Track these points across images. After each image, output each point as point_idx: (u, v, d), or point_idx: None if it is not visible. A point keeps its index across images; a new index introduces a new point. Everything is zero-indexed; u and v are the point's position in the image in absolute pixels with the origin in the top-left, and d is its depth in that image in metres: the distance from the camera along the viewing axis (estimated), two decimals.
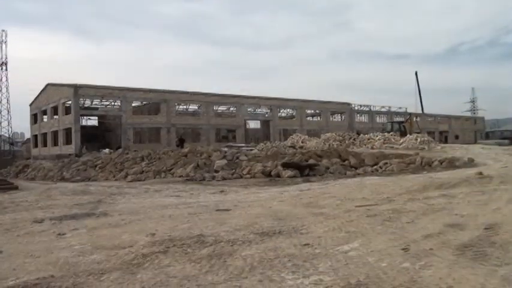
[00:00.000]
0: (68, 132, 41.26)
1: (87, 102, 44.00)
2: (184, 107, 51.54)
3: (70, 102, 40.69)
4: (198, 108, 50.33)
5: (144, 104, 47.43)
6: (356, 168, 16.76)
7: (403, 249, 3.88)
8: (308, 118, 62.35)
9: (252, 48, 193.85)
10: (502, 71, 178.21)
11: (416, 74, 46.33)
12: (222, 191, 11.15)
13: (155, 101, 45.45)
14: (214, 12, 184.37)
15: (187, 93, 47.90)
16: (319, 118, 62.54)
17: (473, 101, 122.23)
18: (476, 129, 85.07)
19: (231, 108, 53.91)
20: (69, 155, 34.67)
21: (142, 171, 18.50)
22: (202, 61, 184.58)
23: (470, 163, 17.58)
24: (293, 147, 31.41)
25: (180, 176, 16.79)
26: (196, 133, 49.40)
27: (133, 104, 44.90)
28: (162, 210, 7.39)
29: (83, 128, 43.39)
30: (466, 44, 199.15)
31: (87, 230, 5.74)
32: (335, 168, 16.35)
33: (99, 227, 5.91)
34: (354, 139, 32.75)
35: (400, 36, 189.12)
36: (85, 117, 46.80)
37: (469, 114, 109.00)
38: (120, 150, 28.60)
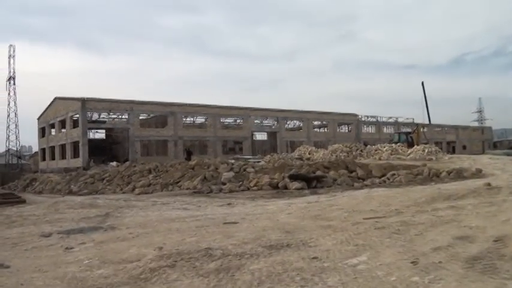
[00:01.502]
0: (75, 145, 41.55)
1: (95, 116, 44.29)
2: (191, 119, 51.73)
3: (78, 115, 41.05)
4: (205, 120, 50.50)
5: (151, 117, 47.68)
6: (363, 180, 16.68)
7: (412, 262, 3.85)
8: (315, 129, 62.31)
9: (257, 60, 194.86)
10: (509, 80, 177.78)
11: (422, 84, 46.49)
12: (229, 204, 11.13)
13: (162, 114, 45.70)
14: (218, 24, 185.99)
15: (193, 105, 48.16)
16: (326, 129, 62.46)
17: (480, 111, 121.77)
18: (484, 139, 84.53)
19: (238, 120, 54.05)
20: (77, 168, 34.85)
21: (150, 184, 18.53)
22: (208, 73, 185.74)
23: (478, 174, 17.44)
24: (300, 158, 31.36)
25: (187, 189, 16.80)
26: (203, 145, 49.50)
27: (140, 117, 45.17)
28: (170, 224, 7.39)
29: (91, 141, 43.65)
30: (471, 54, 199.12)
31: (95, 244, 5.75)
32: (342, 179, 16.29)
33: (107, 241, 5.92)
34: (361, 150, 32.64)
35: (406, 47, 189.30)
36: (92, 130, 47.09)
37: (476, 124, 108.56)
38: (127, 163, 28.70)
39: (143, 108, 44.39)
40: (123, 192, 18.06)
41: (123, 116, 44.66)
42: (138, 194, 16.78)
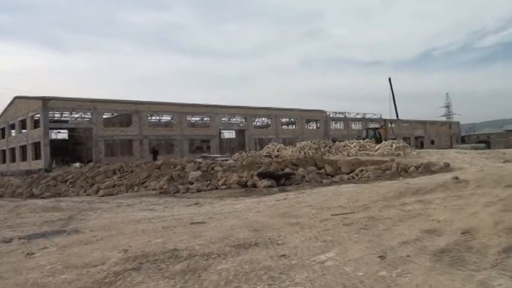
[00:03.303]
0: (37, 146, 40.44)
1: (57, 115, 43.21)
2: (157, 117, 51.22)
3: (39, 115, 39.92)
4: (171, 119, 50.07)
5: (116, 116, 46.93)
6: (332, 176, 16.89)
7: (379, 257, 3.91)
8: (283, 127, 62.80)
9: (224, 57, 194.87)
10: (477, 75, 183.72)
11: (390, 80, 47.14)
12: (196, 203, 11.05)
13: (127, 112, 45.03)
14: (185, 21, 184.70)
15: (159, 103, 47.68)
16: (294, 126, 63.02)
17: (448, 106, 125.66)
18: (452, 134, 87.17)
19: (205, 118, 53.87)
20: (39, 170, 33.94)
21: (115, 185, 18.21)
22: (174, 71, 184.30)
23: (446, 168, 17.94)
24: (269, 156, 31.51)
25: (153, 189, 16.59)
26: (170, 144, 49.10)
27: (104, 116, 44.37)
28: (135, 225, 7.26)
29: (53, 141, 42.58)
30: (438, 50, 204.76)
31: (58, 249, 5.59)
32: (311, 176, 16.44)
33: (70, 245, 5.77)
34: (330, 147, 33.07)
35: (373, 43, 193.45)
36: (54, 130, 45.96)
37: (444, 119, 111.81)
38: (91, 163, 28.10)
39: (107, 107, 43.60)
40: (87, 194, 17.67)
41: (86, 116, 43.73)
42: (103, 195, 16.45)
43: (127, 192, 16.97)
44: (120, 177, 19.62)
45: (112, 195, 16.45)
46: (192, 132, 50.49)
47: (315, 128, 65.62)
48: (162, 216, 8.52)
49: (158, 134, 47.76)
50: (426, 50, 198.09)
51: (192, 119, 53.55)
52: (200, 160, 23.72)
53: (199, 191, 15.21)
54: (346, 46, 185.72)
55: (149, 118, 48.20)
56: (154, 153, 39.30)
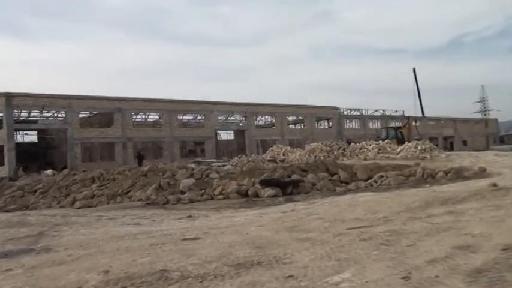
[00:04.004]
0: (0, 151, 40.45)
1: (24, 114, 43.23)
2: (143, 116, 51.29)
3: (1, 114, 39.90)
4: (160, 117, 50.13)
5: (95, 115, 47.00)
6: (347, 184, 16.89)
7: (403, 277, 3.89)
8: (290, 126, 62.86)
9: (220, 46, 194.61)
10: None
11: (414, 71, 47.40)
12: (189, 216, 11.05)
13: (107, 111, 45.08)
14: (172, 4, 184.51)
15: (145, 100, 47.72)
16: (302, 126, 63.05)
17: (483, 101, 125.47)
18: (489, 133, 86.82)
19: (199, 117, 53.94)
20: (2, 178, 33.91)
21: (94, 196, 18.20)
22: (162, 62, 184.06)
23: (482, 173, 17.89)
24: (273, 160, 31.56)
25: (139, 200, 16.58)
26: (158, 147, 49.20)
27: (81, 115, 44.45)
28: (118, 242, 7.26)
29: (19, 145, 42.63)
30: (471, 35, 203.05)
31: (25, 270, 5.58)
32: (322, 184, 16.43)
33: (40, 266, 5.76)
34: (344, 149, 33.14)
35: (393, 28, 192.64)
36: (21, 132, 45.98)
37: (479, 115, 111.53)
38: (65, 170, 28.12)
39: (84, 104, 43.65)
40: (61, 206, 17.67)
41: (59, 115, 43.78)
42: (79, 207, 16.44)
43: (108, 203, 16.95)
44: (100, 186, 19.60)
45: (90, 207, 16.44)
46: (184, 134, 50.52)
47: (326, 127, 65.62)
48: (149, 231, 8.52)
49: (144, 135, 47.81)
50: (457, 35, 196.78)
51: (184, 117, 53.58)
52: (193, 166, 23.71)
53: (192, 201, 15.20)
54: (362, 31, 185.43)
55: (134, 117, 48.27)
56: (140, 158, 39.37)
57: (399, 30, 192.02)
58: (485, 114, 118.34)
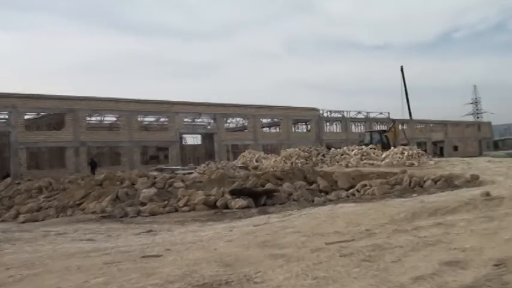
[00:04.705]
0: None
1: None
2: (98, 118, 50.75)
3: None
4: (117, 119, 49.72)
5: (43, 116, 46.36)
6: (327, 193, 17.00)
7: None
8: (264, 129, 63.02)
9: (185, 38, 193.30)
10: None
11: (402, 69, 47.81)
12: (150, 231, 10.98)
13: (58, 111, 44.51)
14: None
15: (101, 99, 47.26)
16: (278, 129, 63.33)
17: (476, 102, 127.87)
18: (481, 138, 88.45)
19: (162, 119, 53.66)
20: None
21: (40, 208, 17.93)
22: (121, 56, 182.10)
23: (474, 181, 18.20)
24: (245, 168, 31.60)
25: (93, 213, 16.40)
26: (115, 153, 48.79)
27: (26, 117, 43.79)
28: (68, 260, 7.17)
29: None
30: (463, 30, 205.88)
31: None
32: (300, 194, 16.52)
33: None
34: (324, 155, 33.35)
35: (378, 20, 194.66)
36: None
37: (471, 118, 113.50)
38: (8, 179, 27.61)
39: (30, 104, 43.01)
40: (2, 220, 17.35)
41: (1, 116, 43.07)
42: (24, 221, 16.18)
43: (57, 216, 16.73)
44: (48, 197, 19.35)
45: (37, 221, 16.19)
46: (145, 138, 50.18)
47: (304, 130, 66.07)
48: (103, 248, 8.44)
49: (100, 139, 47.29)
50: (447, 29, 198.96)
51: (145, 120, 53.25)
52: (155, 174, 23.57)
53: (153, 214, 15.11)
54: (344, 25, 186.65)
55: (88, 119, 47.78)
56: (92, 165, 38.95)
57: (385, 24, 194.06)
58: (477, 117, 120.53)
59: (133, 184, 19.16)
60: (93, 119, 50.12)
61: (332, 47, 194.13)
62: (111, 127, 51.69)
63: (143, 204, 16.45)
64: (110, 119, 51.55)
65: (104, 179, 20.31)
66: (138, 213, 15.26)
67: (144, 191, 17.73)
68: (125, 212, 15.42)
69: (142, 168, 33.95)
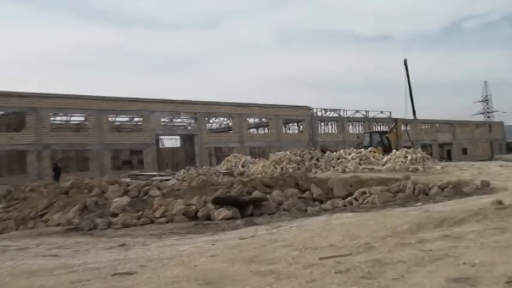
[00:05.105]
0: None
1: None
2: (64, 118, 50.51)
3: None
4: (86, 119, 49.51)
5: (1, 116, 46.03)
6: (321, 202, 17.04)
7: None
8: (251, 130, 63.05)
9: (163, 29, 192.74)
10: None
11: (405, 63, 47.85)
12: (122, 245, 10.94)
13: (17, 110, 44.23)
14: None
15: (68, 96, 47.03)
16: (267, 130, 63.39)
17: (486, 100, 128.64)
18: (493, 139, 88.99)
19: (136, 119, 53.52)
20: None
21: None
22: (91, 49, 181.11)
23: (485, 188, 18.33)
24: (230, 173, 31.62)
25: (57, 225, 16.32)
26: (83, 157, 48.56)
27: None
28: (30, 279, 7.14)
29: None
30: (472, 19, 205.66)
31: None
32: (291, 203, 16.52)
33: None
34: (318, 159, 33.42)
35: (377, 10, 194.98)
36: None
37: (481, 118, 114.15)
38: None
39: None
40: None
41: None
42: None
43: (17, 229, 16.63)
44: (7, 207, 19.24)
45: None
46: (117, 140, 49.93)
47: (296, 132, 66.19)
48: (70, 264, 8.40)
49: (65, 142, 46.93)
50: (455, 19, 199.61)
51: (117, 119, 53.10)
52: (129, 181, 23.50)
53: (126, 226, 15.06)
54: (339, 14, 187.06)
55: (52, 119, 47.55)
56: (56, 170, 38.64)
57: (385, 12, 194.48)
58: (488, 117, 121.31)
59: (104, 192, 19.10)
60: (58, 119, 49.89)
61: (327, 39, 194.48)
62: (79, 128, 51.47)
63: (115, 215, 16.39)
64: (77, 118, 51.33)
65: (70, 187, 20.22)
66: (109, 225, 15.21)
67: (115, 200, 17.68)
68: (94, 223, 15.36)
69: (114, 175, 33.79)
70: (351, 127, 69.51)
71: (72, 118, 51.34)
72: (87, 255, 9.70)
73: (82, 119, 50.37)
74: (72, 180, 21.62)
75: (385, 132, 45.33)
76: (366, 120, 70.50)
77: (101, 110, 47.87)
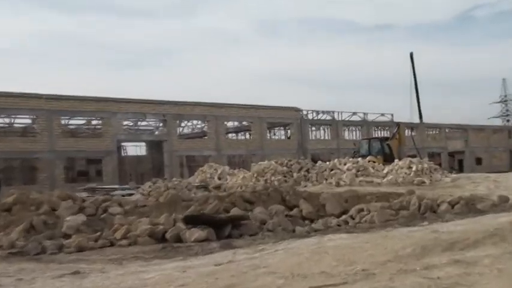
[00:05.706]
0: None
1: None
2: (7, 120, 50.23)
3: None
4: (33, 122, 49.25)
5: None
6: (312, 221, 17.02)
7: None
8: (230, 135, 63.11)
9: (128, 17, 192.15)
10: None
11: (411, 56, 48.13)
12: (76, 273, 10.88)
13: None
14: None
15: (12, 95, 46.73)
16: (248, 135, 63.42)
17: (505, 101, 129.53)
18: None
19: (94, 122, 53.33)
20: None
21: None
22: (41, 39, 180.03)
23: (503, 204, 18.38)
24: (204, 187, 31.60)
25: None
26: (30, 167, 48.29)
27: None
28: None
29: None
30: (484, 7, 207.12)
31: None
32: (276, 222, 16.50)
33: None
34: (308, 170, 33.50)
35: None
36: None
37: (499, 122, 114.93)
38: None
39: None
40: None
41: None
42: None
43: None
44: None
45: None
46: (72, 146, 49.66)
47: (283, 137, 66.31)
48: None
49: (9, 148, 46.64)
50: (465, 8, 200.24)
51: (72, 122, 52.84)
52: (85, 195, 23.40)
53: (81, 249, 14.97)
54: (335, 1, 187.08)
55: None
56: None
57: (388, 1, 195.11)
58: (507, 120, 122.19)
59: (54, 210, 18.98)
60: (0, 121, 49.54)
61: (318, 29, 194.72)
62: (25, 132, 51.17)
63: (67, 236, 16.29)
64: (23, 121, 51.01)
65: (14, 203, 20.06)
66: (61, 248, 15.11)
67: (68, 218, 17.57)
68: (42, 247, 15.25)
69: (67, 188, 33.58)
70: (346, 132, 69.76)
71: (17, 120, 50.98)
72: (34, 285, 9.63)
73: (29, 121, 50.07)
74: (16, 195, 21.43)
75: (386, 139, 45.49)
76: (363, 124, 70.70)
77: (51, 111, 47.57)
